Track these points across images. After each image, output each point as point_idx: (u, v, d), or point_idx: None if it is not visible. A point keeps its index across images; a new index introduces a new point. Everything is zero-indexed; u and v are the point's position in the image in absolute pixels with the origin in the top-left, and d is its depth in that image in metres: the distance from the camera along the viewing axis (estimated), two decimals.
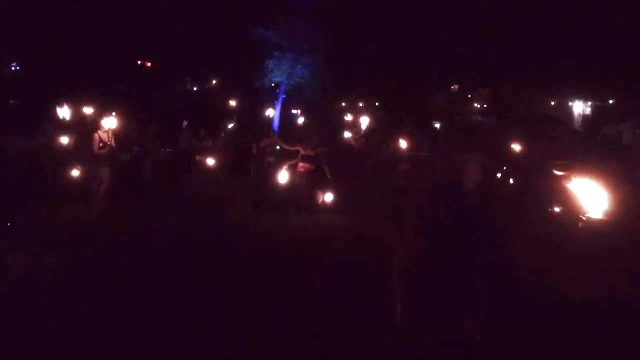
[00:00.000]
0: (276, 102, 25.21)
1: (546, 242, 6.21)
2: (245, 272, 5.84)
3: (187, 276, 5.70)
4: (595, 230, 4.21)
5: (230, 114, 22.22)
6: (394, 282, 3.61)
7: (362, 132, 14.71)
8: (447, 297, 3.40)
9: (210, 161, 12.49)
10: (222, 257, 6.38)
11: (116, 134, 10.29)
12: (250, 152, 10.55)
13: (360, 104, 29.65)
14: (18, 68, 25.37)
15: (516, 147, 12.02)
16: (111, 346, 4.20)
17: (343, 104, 28.96)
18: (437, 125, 25.27)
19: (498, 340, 3.84)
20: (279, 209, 9.75)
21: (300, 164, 10.27)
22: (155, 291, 5.26)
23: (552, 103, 30.90)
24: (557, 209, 7.15)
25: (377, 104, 30.57)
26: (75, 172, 10.26)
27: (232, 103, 24.56)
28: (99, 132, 10.06)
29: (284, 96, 25.43)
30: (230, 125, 15.34)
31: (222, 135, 13.09)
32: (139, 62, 28.84)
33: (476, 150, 10.16)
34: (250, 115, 23.28)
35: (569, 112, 30.30)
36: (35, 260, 6.04)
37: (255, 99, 25.20)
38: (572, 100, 30.02)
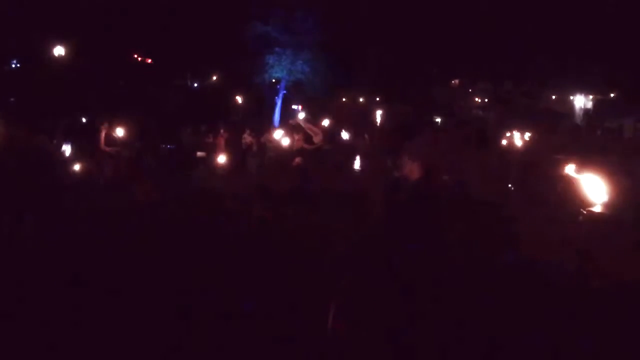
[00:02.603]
0: (277, 97, 25.21)
1: (547, 236, 6.22)
2: (240, 267, 5.85)
3: (185, 271, 5.73)
4: (595, 223, 4.22)
5: (234, 109, 22.30)
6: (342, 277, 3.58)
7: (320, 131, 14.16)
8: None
9: (211, 157, 12.51)
10: (219, 252, 6.41)
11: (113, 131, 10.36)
12: (249, 147, 10.57)
13: (361, 99, 29.64)
14: (18, 65, 25.37)
15: (517, 140, 12.04)
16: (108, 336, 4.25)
17: (344, 99, 28.95)
18: (438, 120, 25.31)
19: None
20: (278, 203, 9.72)
21: (297, 159, 10.19)
22: (155, 284, 5.30)
23: (553, 97, 30.86)
24: (557, 203, 7.17)
25: (377, 99, 30.56)
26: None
27: (238, 99, 24.52)
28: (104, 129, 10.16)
29: (285, 92, 25.42)
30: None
31: (222, 131, 13.10)
32: (139, 59, 28.82)
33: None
34: (252, 111, 23.31)
35: (570, 106, 30.26)
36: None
37: (256, 95, 25.22)
38: (574, 94, 29.98)
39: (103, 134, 10.09)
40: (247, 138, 13.28)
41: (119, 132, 10.43)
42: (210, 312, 4.70)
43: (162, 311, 4.73)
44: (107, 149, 10.16)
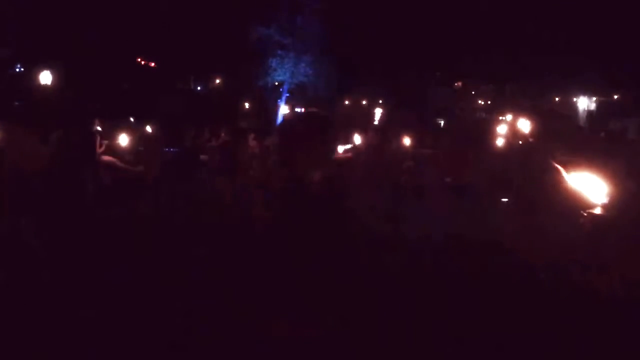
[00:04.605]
0: (280, 100, 25.22)
1: (549, 237, 6.19)
2: (241, 267, 5.85)
3: (187, 271, 5.76)
4: (597, 225, 4.19)
5: (239, 113, 22.35)
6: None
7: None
8: None
9: (214, 161, 12.49)
10: (219, 252, 6.42)
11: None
12: (253, 151, 10.55)
13: (364, 102, 29.66)
14: (22, 69, 25.46)
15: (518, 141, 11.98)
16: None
17: (347, 102, 28.95)
18: (441, 122, 25.30)
19: None
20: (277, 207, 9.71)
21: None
22: (155, 285, 5.32)
23: (557, 99, 30.80)
24: (558, 204, 7.12)
25: (380, 101, 30.55)
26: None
27: (244, 103, 24.58)
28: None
29: (288, 95, 25.43)
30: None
31: (222, 135, 13.07)
32: (142, 62, 28.91)
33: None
34: (255, 114, 23.36)
35: (573, 107, 30.18)
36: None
37: (259, 98, 25.26)
38: (577, 95, 29.91)
39: (98, 140, 9.96)
40: (252, 142, 13.28)
41: (121, 137, 10.40)
42: (210, 312, 4.70)
43: (164, 311, 4.74)
44: (103, 155, 10.05)
